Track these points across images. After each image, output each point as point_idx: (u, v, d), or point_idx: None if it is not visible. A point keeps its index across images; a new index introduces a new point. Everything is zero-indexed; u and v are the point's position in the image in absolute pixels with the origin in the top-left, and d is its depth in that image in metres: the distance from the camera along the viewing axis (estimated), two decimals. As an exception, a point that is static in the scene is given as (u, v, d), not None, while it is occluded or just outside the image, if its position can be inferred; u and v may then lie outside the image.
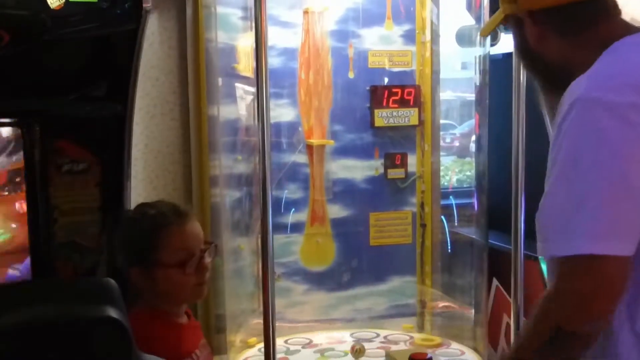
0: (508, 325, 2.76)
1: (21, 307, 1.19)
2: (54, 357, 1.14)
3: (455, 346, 2.69)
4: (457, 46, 2.94)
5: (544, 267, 2.71)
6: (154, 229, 1.74)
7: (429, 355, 2.14)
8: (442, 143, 5.87)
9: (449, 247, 2.86)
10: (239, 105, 2.70)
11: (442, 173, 3.98)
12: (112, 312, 1.16)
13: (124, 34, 1.99)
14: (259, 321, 2.22)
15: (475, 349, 2.69)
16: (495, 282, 2.91)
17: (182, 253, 1.72)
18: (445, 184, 3.76)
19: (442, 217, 2.89)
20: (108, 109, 2.05)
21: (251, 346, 2.62)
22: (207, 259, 1.79)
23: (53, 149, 2.06)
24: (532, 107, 2.41)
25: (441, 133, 5.64)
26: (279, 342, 2.66)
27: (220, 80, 2.67)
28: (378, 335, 2.79)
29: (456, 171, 3.77)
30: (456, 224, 2.89)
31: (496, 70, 2.81)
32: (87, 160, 2.09)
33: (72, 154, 2.07)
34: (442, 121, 4.55)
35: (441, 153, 4.56)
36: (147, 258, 1.72)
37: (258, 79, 2.03)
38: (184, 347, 1.81)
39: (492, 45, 2.80)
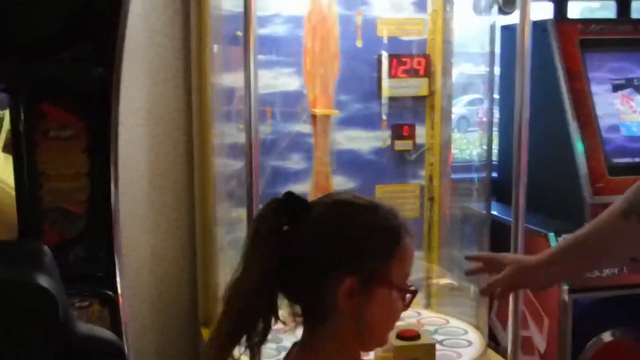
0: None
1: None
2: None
3: (455, 323, 2.63)
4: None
5: (553, 243, 2.62)
6: (397, 233, 1.26)
7: (417, 333, 2.08)
8: (476, 118, 5.71)
9: (450, 221, 2.77)
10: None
11: (464, 147, 3.90)
12: (40, 279, 1.13)
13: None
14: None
15: (477, 326, 2.62)
16: (506, 258, 2.83)
17: (405, 277, 1.27)
18: (466, 157, 3.67)
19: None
20: (93, 72, 2.03)
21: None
22: None
23: (39, 114, 2.05)
24: (542, 78, 2.30)
25: (475, 108, 5.50)
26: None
27: (224, 48, 2.62)
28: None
29: (477, 145, 3.68)
30: (458, 197, 2.80)
31: (515, 40, 2.69)
32: (74, 125, 2.08)
33: (59, 119, 2.07)
34: (472, 96, 4.45)
35: (471, 128, 4.42)
36: (378, 267, 1.23)
37: (246, 46, 1.97)
38: None
39: (507, 13, 2.68)
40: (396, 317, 1.29)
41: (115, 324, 2.08)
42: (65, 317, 1.20)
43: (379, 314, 1.25)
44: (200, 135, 2.68)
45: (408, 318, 2.62)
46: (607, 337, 2.62)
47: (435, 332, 2.53)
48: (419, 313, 2.72)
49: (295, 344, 1.30)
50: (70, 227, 2.11)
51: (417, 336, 2.07)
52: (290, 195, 1.25)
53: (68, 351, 1.17)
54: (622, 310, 2.62)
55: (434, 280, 2.84)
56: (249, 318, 1.22)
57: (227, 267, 2.57)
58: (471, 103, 5.24)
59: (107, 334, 1.49)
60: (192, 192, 2.75)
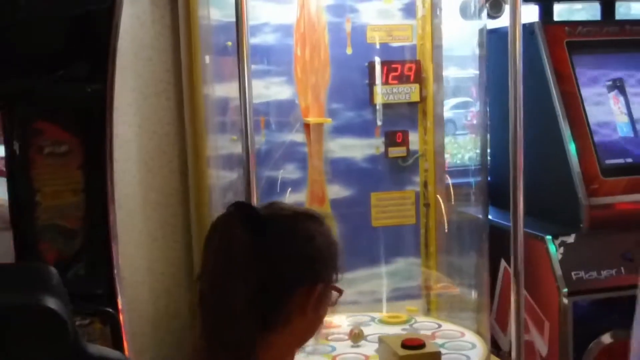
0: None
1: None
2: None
3: (452, 327, 2.63)
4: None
5: (551, 246, 2.62)
6: (335, 238, 1.38)
7: (422, 342, 2.07)
8: (464, 121, 5.71)
9: (447, 227, 2.76)
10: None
11: (455, 151, 3.90)
12: (49, 302, 1.11)
13: (100, 12, 1.94)
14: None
15: (479, 332, 2.61)
16: (503, 263, 2.83)
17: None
18: (457, 161, 3.67)
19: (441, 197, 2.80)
20: (87, 89, 2.01)
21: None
22: None
23: (34, 131, 2.03)
24: (531, 81, 2.30)
25: (463, 111, 5.49)
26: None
27: (214, 59, 2.61)
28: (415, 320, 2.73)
29: (468, 149, 3.68)
30: (454, 202, 2.79)
31: (502, 44, 2.70)
32: (69, 141, 2.06)
33: (53, 136, 2.05)
34: (464, 99, 4.45)
35: (463, 131, 4.42)
36: (331, 272, 1.34)
37: (239, 56, 1.96)
38: None
39: (495, 17, 2.69)
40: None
41: (116, 342, 2.06)
42: (75, 338, 1.18)
43: (324, 313, 1.34)
44: (194, 148, 2.66)
45: (424, 330, 2.61)
46: (607, 339, 2.61)
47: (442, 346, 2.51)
48: (439, 325, 2.70)
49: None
50: (67, 245, 2.09)
51: (422, 345, 2.06)
52: (244, 205, 1.31)
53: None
54: (621, 311, 2.62)
55: (434, 287, 2.83)
56: (238, 341, 1.24)
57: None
58: (457, 106, 5.26)
59: (116, 354, 1.47)
60: (188, 205, 2.72)
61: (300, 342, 1.35)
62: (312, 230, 1.31)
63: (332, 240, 1.34)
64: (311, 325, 1.33)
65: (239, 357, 1.23)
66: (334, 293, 1.34)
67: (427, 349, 2.07)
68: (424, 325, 2.69)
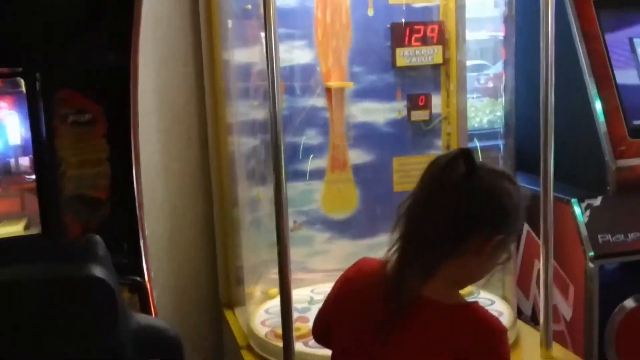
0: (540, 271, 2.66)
1: (7, 266, 1.14)
2: (40, 315, 1.09)
3: (483, 295, 2.60)
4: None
5: (577, 209, 2.59)
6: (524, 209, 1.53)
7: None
8: (476, 84, 5.63)
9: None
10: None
11: (472, 114, 3.85)
12: (98, 271, 1.09)
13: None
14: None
15: (505, 297, 2.59)
16: (525, 226, 2.80)
17: None
18: (476, 125, 3.62)
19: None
20: (111, 56, 1.97)
21: (272, 297, 2.56)
22: None
23: (57, 100, 1.99)
24: (557, 40, 2.23)
25: (475, 74, 5.42)
26: (304, 291, 2.60)
27: (234, 23, 2.55)
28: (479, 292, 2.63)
29: (487, 112, 3.63)
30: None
31: (527, 3, 2.64)
32: (93, 110, 2.02)
33: (77, 105, 2.01)
34: (476, 61, 4.38)
35: (476, 95, 4.38)
36: (511, 234, 1.51)
37: (266, 20, 1.90)
38: None
39: (518, -24, 2.63)
40: None
41: (144, 311, 2.04)
42: (123, 307, 1.16)
43: (494, 263, 1.50)
44: (214, 115, 2.62)
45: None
46: (630, 303, 2.59)
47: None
48: (492, 301, 2.62)
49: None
50: (93, 215, 2.06)
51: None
52: (468, 152, 1.46)
53: (132, 341, 1.13)
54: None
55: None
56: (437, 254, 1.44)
57: (250, 247, 2.53)
58: (469, 69, 5.17)
59: (161, 322, 1.45)
60: (208, 173, 2.69)
61: (466, 280, 1.52)
62: (511, 188, 1.47)
63: (521, 202, 1.48)
64: (480, 269, 1.50)
65: (426, 274, 1.42)
66: (504, 252, 1.49)
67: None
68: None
